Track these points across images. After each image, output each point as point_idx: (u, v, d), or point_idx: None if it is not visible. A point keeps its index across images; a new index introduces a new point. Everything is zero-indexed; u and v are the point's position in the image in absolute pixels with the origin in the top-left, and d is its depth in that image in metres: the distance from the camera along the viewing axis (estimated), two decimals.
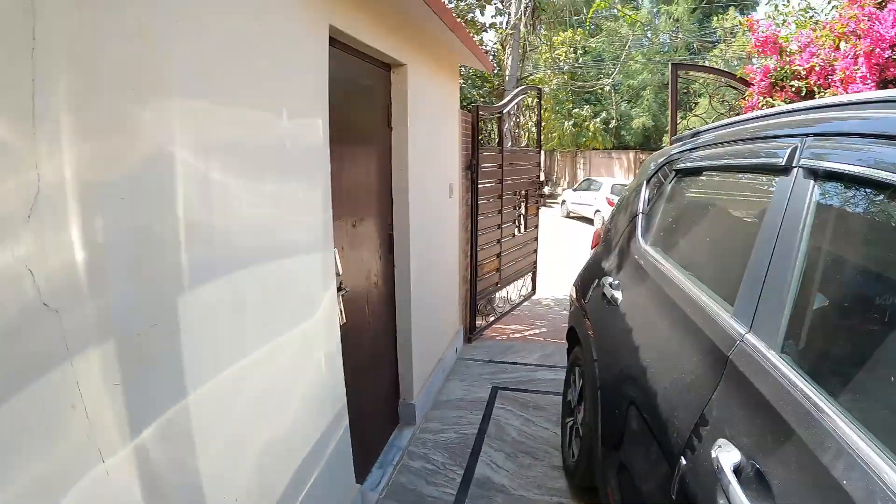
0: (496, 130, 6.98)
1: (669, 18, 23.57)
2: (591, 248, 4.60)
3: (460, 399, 5.35)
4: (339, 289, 2.98)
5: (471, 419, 4.93)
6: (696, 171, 3.03)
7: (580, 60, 26.11)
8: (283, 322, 2.34)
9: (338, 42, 3.05)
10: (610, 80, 21.96)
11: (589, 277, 3.93)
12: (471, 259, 6.60)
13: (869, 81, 4.80)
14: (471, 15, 10.23)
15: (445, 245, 5.63)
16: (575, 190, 24.48)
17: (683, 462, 1.79)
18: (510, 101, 7.16)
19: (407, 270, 4.26)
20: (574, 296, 4.22)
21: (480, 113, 6.42)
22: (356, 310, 3.48)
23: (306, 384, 2.59)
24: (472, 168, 6.31)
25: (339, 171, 3.07)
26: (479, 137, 6.41)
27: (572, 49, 26.34)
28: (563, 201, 25.43)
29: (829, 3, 5.94)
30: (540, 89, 8.25)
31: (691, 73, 6.26)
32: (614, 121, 25.71)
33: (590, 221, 22.40)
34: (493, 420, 4.93)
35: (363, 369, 3.70)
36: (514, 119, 7.55)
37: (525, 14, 9.41)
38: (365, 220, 3.66)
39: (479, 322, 7.09)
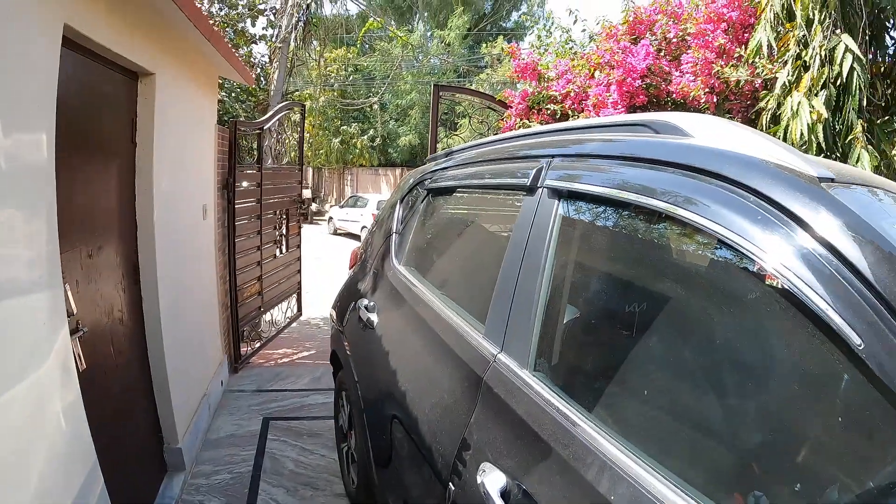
0: (256, 147, 6.71)
1: (441, 42, 24.78)
2: (350, 269, 4.58)
3: (231, 435, 5.02)
4: (73, 330, 2.60)
5: (244, 456, 4.64)
6: (449, 190, 3.10)
7: (351, 78, 26.40)
8: (4, 376, 1.95)
9: (76, 45, 2.70)
10: (377, 98, 22.42)
11: (347, 299, 3.91)
12: (230, 283, 6.25)
13: (619, 107, 5.37)
14: (241, 25, 9.83)
15: (201, 270, 5.27)
16: (342, 207, 24.56)
17: (452, 488, 1.76)
18: (271, 116, 6.94)
19: (156, 302, 3.88)
20: (334, 318, 4.17)
21: (239, 129, 6.14)
22: (99, 352, 3.07)
23: (45, 445, 2.19)
24: (228, 187, 6.00)
25: (72, 193, 2.71)
26: (238, 154, 6.12)
27: (343, 66, 26.58)
28: (331, 218, 25.38)
29: (588, 38, 6.57)
30: (303, 105, 8.12)
31: (456, 94, 6.55)
32: (380, 138, 26.28)
33: (357, 238, 22.56)
34: (267, 454, 4.69)
35: (116, 417, 3.29)
36: (275, 136, 7.32)
37: (296, 28, 9.20)
38: (104, 248, 3.26)
39: (244, 349, 6.75)
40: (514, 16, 31.86)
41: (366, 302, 3.30)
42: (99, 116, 3.23)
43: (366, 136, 25.79)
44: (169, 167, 4.07)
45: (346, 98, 25.95)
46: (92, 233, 3.09)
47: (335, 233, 24.52)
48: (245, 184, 6.39)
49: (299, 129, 8.05)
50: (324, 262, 16.60)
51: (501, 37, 25.48)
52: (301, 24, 9.53)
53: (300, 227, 8.33)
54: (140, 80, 3.71)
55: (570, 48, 6.59)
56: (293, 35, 9.32)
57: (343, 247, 20.82)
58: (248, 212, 6.48)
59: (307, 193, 29.62)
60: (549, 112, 6.02)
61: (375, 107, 26.36)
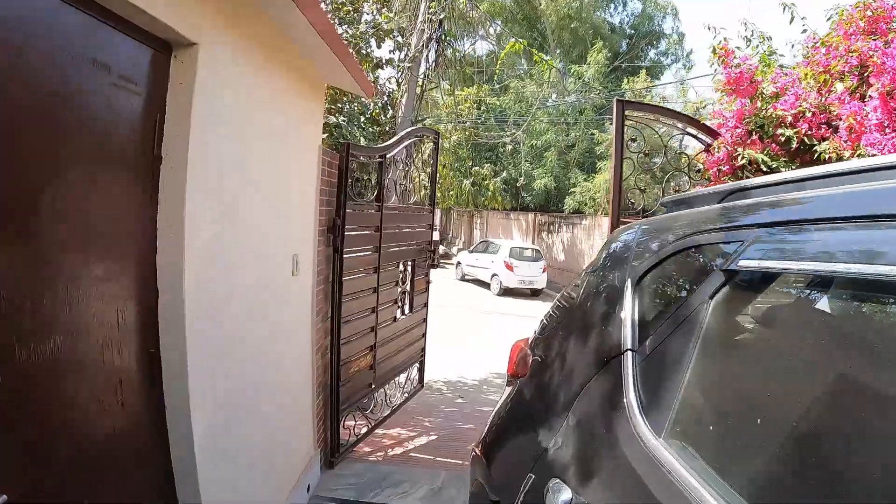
0: (376, 181, 5.21)
1: (579, 79, 23.04)
2: (510, 374, 2.87)
3: None
4: None
5: None
6: (768, 277, 1.34)
7: (483, 118, 25.21)
8: None
9: None
10: (511, 138, 20.92)
11: (514, 456, 2.13)
12: (332, 358, 4.70)
13: (890, 130, 3.44)
14: (365, 48, 8.57)
15: (286, 348, 3.75)
16: (471, 252, 23.11)
17: None
18: (398, 142, 5.45)
19: (188, 431, 2.33)
20: (481, 479, 2.41)
21: (354, 154, 4.65)
22: None
23: None
24: (335, 231, 4.49)
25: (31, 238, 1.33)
26: (352, 189, 4.64)
27: (475, 105, 25.43)
28: (459, 263, 23.99)
29: (796, 43, 4.70)
30: (437, 132, 6.60)
31: (635, 113, 4.77)
32: (521, 178, 24.70)
33: (486, 286, 20.99)
34: None
35: None
36: (402, 167, 5.81)
37: (427, 47, 7.80)
38: (79, 335, 1.74)
39: (344, 435, 5.16)
40: (651, 53, 29.76)
41: (567, 497, 1.50)
42: (100, 112, 1.83)
43: (499, 178, 24.33)
44: (220, 196, 2.57)
45: (479, 137, 24.72)
46: (41, 315, 1.58)
47: (463, 279, 23.10)
48: (359, 227, 4.89)
49: (432, 160, 6.53)
50: (448, 310, 15.07)
51: (644, 71, 23.36)
52: (434, 42, 8.13)
53: (429, 282, 6.76)
54: (174, 55, 2.22)
55: (775, 60, 4.70)
56: (424, 54, 7.92)
57: (472, 295, 19.28)
58: (362, 263, 4.98)
59: (435, 236, 28.44)
60: (782, 139, 4.12)
61: (508, 147, 24.89)
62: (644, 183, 5.14)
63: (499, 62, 10.58)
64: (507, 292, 19.89)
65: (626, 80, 20.98)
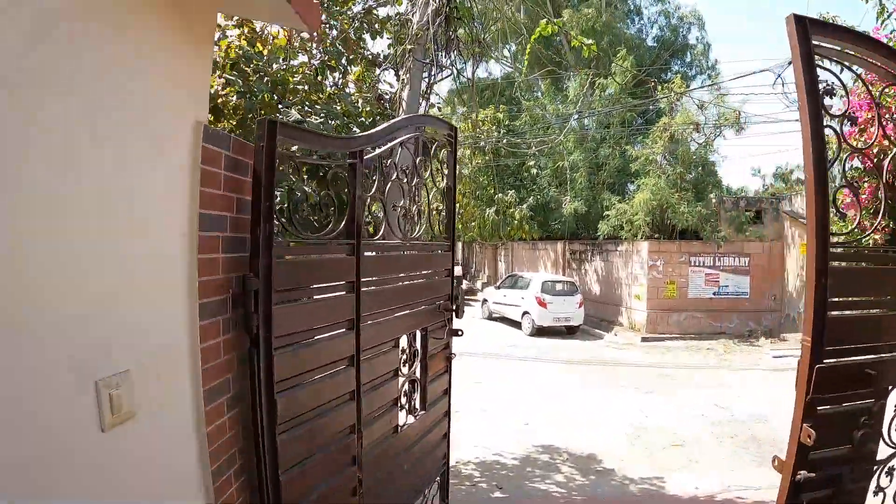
0: (348, 197, 2.94)
1: (603, 92, 20.70)
2: None
3: None
4: None
5: None
6: None
7: (503, 139, 23.04)
8: None
9: None
10: (535, 156, 18.61)
11: None
12: None
13: None
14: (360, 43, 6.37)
15: None
16: (498, 287, 20.71)
17: None
18: (384, 132, 3.19)
19: None
20: None
21: (289, 141, 2.41)
22: None
23: None
24: (246, 301, 2.22)
25: None
26: (289, 212, 2.41)
27: (494, 127, 23.29)
28: (485, 300, 21.61)
29: None
30: (453, 126, 4.32)
31: (833, 45, 2.47)
32: (539, 207, 22.40)
33: (516, 325, 18.60)
34: None
35: None
36: (400, 179, 3.52)
37: (434, 23, 5.65)
38: None
39: None
40: (676, 66, 27.46)
41: None
42: None
43: (525, 206, 21.90)
44: None
45: (500, 162, 22.52)
46: None
47: (490, 317, 20.72)
48: (309, 285, 2.65)
49: (449, 167, 4.28)
50: (474, 358, 12.72)
51: (678, 77, 20.97)
52: (442, 17, 5.93)
53: (450, 358, 4.47)
54: None
55: None
56: (430, 32, 5.74)
57: (500, 336, 16.89)
58: (321, 354, 2.70)
59: (458, 270, 26.12)
60: None
61: (533, 170, 22.63)
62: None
63: (528, 51, 8.41)
64: (540, 332, 17.46)
65: (660, 88, 18.58)
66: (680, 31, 27.76)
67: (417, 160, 3.76)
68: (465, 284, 31.10)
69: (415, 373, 3.91)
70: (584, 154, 20.97)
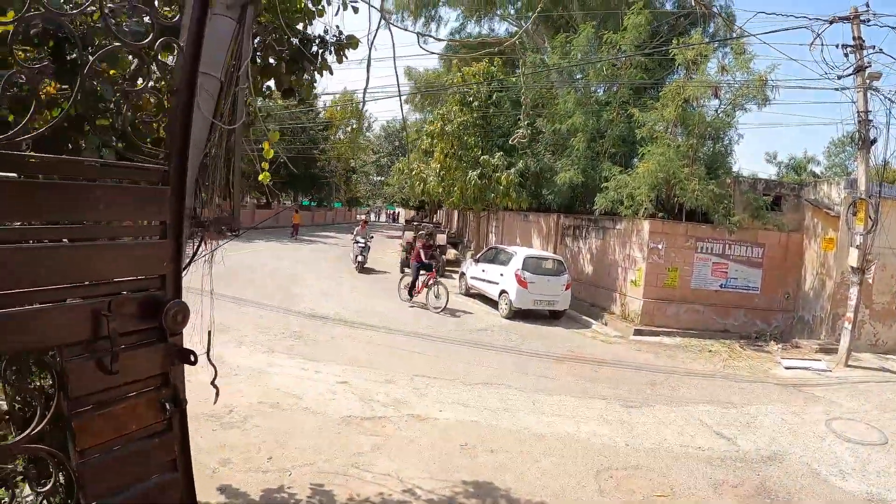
0: None
1: (614, 48, 17.89)
2: None
3: None
4: None
5: None
6: None
7: (494, 97, 20.47)
8: None
9: None
10: (529, 115, 15.89)
11: None
12: None
13: None
14: None
15: None
16: (477, 261, 18.35)
17: None
18: None
19: None
20: None
21: None
22: None
23: None
24: None
25: None
26: None
27: (485, 81, 20.74)
28: (462, 274, 19.30)
29: None
30: None
31: None
32: (531, 174, 19.90)
33: (494, 304, 16.31)
34: None
35: None
36: None
37: None
38: None
39: None
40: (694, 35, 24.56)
41: None
42: None
43: (513, 170, 19.33)
44: None
45: (489, 123, 20.12)
46: None
47: (467, 293, 18.48)
48: None
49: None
50: (426, 344, 10.46)
51: (697, 31, 18.26)
52: None
53: (173, 418, 2.16)
54: None
55: None
56: None
57: (477, 321, 14.55)
58: None
59: (442, 239, 23.87)
60: None
61: (521, 130, 20.13)
62: None
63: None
64: (518, 314, 15.18)
65: (674, 40, 15.80)
66: None
67: None
68: (452, 254, 28.82)
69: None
70: (585, 117, 18.25)
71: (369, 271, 22.00)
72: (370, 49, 4.50)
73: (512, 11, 27.12)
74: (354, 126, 50.47)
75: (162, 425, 2.30)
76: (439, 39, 29.68)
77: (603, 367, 10.84)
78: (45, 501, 2.26)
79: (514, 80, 20.77)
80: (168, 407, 2.27)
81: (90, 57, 2.09)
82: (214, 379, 3.61)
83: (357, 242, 22.12)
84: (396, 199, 51.13)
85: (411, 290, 16.19)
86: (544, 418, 7.59)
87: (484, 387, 8.72)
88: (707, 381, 8.89)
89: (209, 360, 3.53)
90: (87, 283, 2.06)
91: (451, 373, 9.32)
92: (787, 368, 11.78)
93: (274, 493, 5.08)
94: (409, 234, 23.97)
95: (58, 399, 1.97)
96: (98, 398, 2.07)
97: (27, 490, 2.55)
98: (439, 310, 15.15)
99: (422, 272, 16.15)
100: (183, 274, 3.33)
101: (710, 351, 12.98)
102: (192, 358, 2.33)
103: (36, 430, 1.93)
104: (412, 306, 15.70)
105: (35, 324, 1.89)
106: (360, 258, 21.88)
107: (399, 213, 79.06)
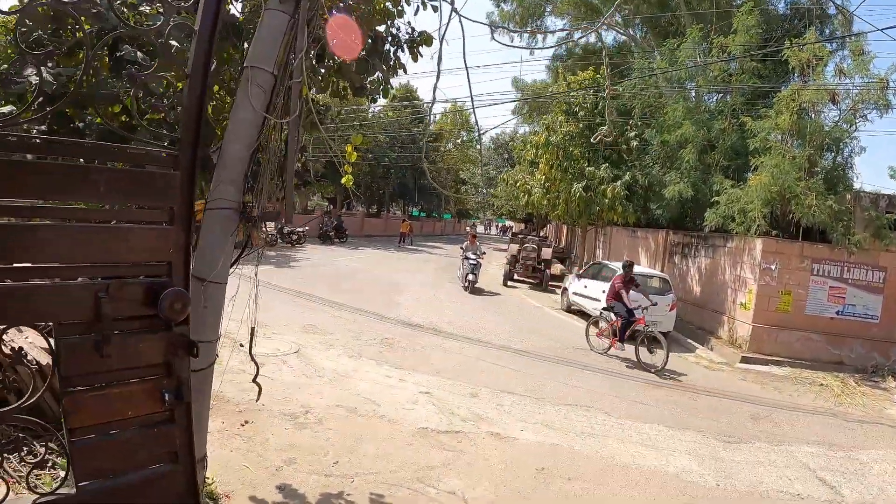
0: None
1: (723, 53, 16.84)
2: None
3: None
4: None
5: None
6: None
7: (600, 106, 19.82)
8: None
9: None
10: (638, 126, 15.04)
11: None
12: None
13: None
14: None
15: None
16: (580, 276, 17.77)
17: None
18: None
19: None
20: None
21: None
22: None
23: None
24: None
25: None
26: None
27: (593, 91, 20.18)
28: (565, 290, 18.74)
29: None
30: None
31: None
32: (640, 187, 19.00)
33: (594, 322, 15.70)
34: None
35: None
36: None
37: None
38: None
39: None
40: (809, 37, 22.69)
41: None
42: None
43: (619, 183, 18.61)
44: None
45: (593, 131, 19.48)
46: None
47: (569, 309, 17.88)
48: None
49: None
50: (521, 361, 10.13)
51: (812, 29, 16.66)
52: None
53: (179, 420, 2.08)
54: None
55: None
56: None
57: (576, 339, 14.08)
58: None
59: (547, 253, 23.45)
60: None
61: (634, 143, 19.34)
62: None
63: None
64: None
65: (787, 43, 14.59)
66: None
67: None
68: (559, 269, 28.25)
69: None
70: (695, 127, 17.24)
71: (479, 291, 19.77)
72: (441, 43, 4.32)
73: (619, 19, 26.35)
74: (465, 138, 50.88)
75: (162, 415, 2.24)
76: (544, 48, 29.34)
77: (702, 395, 10.09)
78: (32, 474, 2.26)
79: (620, 87, 20.03)
80: (167, 397, 2.19)
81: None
82: (256, 376, 3.56)
83: (468, 259, 19.75)
84: (504, 210, 50.90)
85: (622, 337, 12.23)
86: (631, 447, 7.09)
87: (572, 408, 8.30)
88: (815, 418, 8.04)
89: (252, 357, 3.48)
90: (87, 264, 2.00)
91: (539, 391, 8.96)
92: None
93: (332, 499, 4.98)
94: (514, 248, 23.80)
95: (50, 376, 1.97)
96: (91, 380, 2.05)
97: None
98: (656, 370, 11.37)
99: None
100: (232, 270, 3.27)
101: (822, 385, 11.77)
102: (195, 350, 2.25)
103: (29, 402, 1.93)
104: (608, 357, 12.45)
105: (33, 300, 1.88)
106: (470, 277, 19.43)
107: (511, 226, 79.01)
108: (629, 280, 12.71)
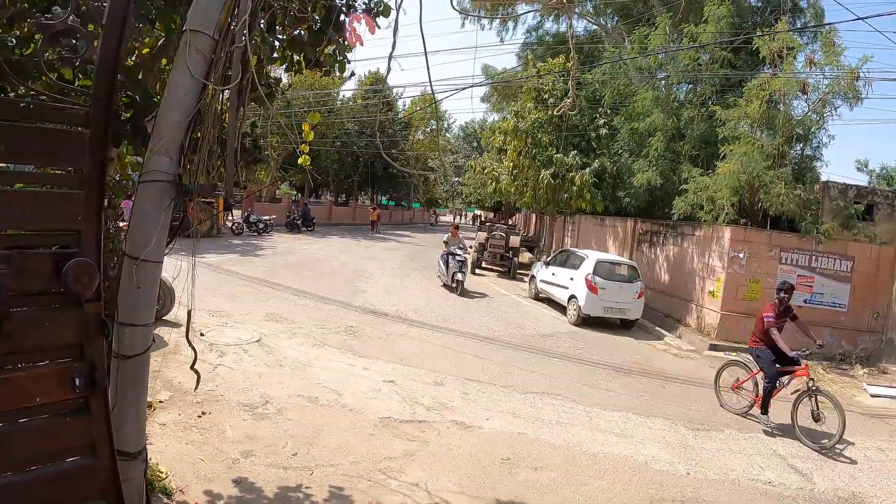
0: None
1: (693, 41, 16.72)
2: None
3: None
4: None
5: None
6: None
7: (569, 94, 19.66)
8: None
9: None
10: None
11: None
12: None
13: None
14: None
15: None
16: (547, 264, 17.71)
17: None
18: None
19: None
20: None
21: None
22: None
23: None
24: None
25: None
26: None
27: (560, 78, 19.98)
28: (532, 277, 18.62)
29: None
30: None
31: None
32: (624, 173, 18.81)
33: (561, 309, 15.65)
34: None
35: None
36: None
37: None
38: None
39: None
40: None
41: None
42: None
43: (588, 170, 18.49)
44: None
45: (564, 120, 19.32)
46: None
47: (537, 297, 17.82)
48: None
49: None
50: (488, 349, 9.94)
51: (782, 19, 16.58)
52: None
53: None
54: None
55: None
56: None
57: (536, 321, 13.95)
58: None
59: (515, 242, 23.35)
60: None
61: (603, 130, 19.22)
62: None
63: None
64: (587, 322, 14.45)
65: (757, 34, 14.56)
66: None
67: None
68: (528, 257, 28.14)
69: None
70: (665, 116, 17.11)
71: (467, 293, 17.04)
72: (397, 12, 4.08)
73: (590, 8, 26.26)
74: (434, 127, 50.53)
75: (75, 403, 1.97)
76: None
77: (671, 383, 10.03)
78: None
79: (591, 76, 19.87)
80: (78, 382, 1.93)
81: None
82: (194, 363, 3.29)
83: (454, 255, 17.17)
84: (472, 199, 50.76)
85: (765, 404, 8.13)
86: (600, 436, 6.96)
87: (539, 396, 8.15)
88: (785, 405, 7.99)
89: (189, 342, 3.22)
90: None
91: (505, 379, 8.80)
92: (872, 396, 10.65)
93: (290, 492, 4.76)
94: (482, 235, 23.68)
95: None
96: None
97: None
98: (825, 448, 7.39)
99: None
100: (167, 249, 3.00)
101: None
102: (106, 331, 1.98)
103: None
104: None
105: None
106: (458, 276, 16.87)
107: (480, 214, 78.89)
108: (785, 310, 8.61)
